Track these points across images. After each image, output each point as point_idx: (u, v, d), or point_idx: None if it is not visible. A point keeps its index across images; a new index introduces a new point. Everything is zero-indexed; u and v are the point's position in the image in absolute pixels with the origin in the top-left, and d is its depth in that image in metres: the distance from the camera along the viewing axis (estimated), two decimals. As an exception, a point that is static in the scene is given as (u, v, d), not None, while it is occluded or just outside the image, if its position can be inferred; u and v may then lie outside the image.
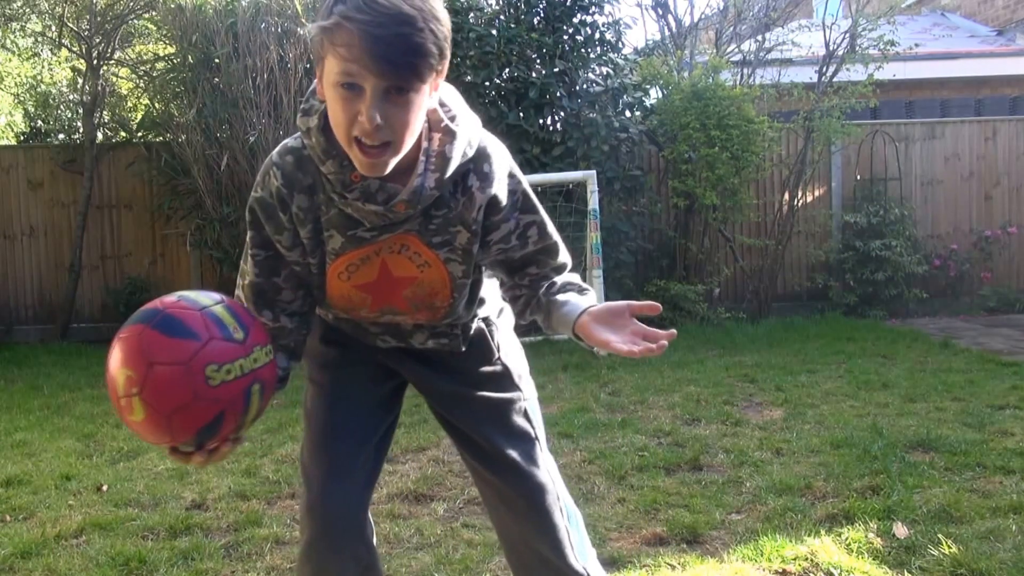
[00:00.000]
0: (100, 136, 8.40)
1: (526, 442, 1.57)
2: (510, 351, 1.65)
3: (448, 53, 1.26)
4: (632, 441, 3.73)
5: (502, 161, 1.43)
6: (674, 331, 1.30)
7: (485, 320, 1.62)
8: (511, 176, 1.45)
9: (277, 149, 1.41)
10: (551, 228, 1.51)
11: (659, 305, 1.33)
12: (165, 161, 7.39)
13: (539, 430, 1.61)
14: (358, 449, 1.57)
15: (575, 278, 1.52)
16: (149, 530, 2.86)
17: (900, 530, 2.56)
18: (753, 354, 5.85)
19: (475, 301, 1.56)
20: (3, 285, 8.11)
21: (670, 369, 5.37)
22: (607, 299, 6.54)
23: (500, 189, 1.42)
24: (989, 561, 2.29)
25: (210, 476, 3.46)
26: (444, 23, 1.23)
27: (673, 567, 2.41)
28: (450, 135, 1.35)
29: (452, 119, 1.36)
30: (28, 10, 8.77)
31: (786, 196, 7.74)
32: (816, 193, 8.15)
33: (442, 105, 1.37)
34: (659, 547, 2.58)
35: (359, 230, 1.39)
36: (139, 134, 8.37)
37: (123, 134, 8.77)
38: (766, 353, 5.86)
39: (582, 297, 1.44)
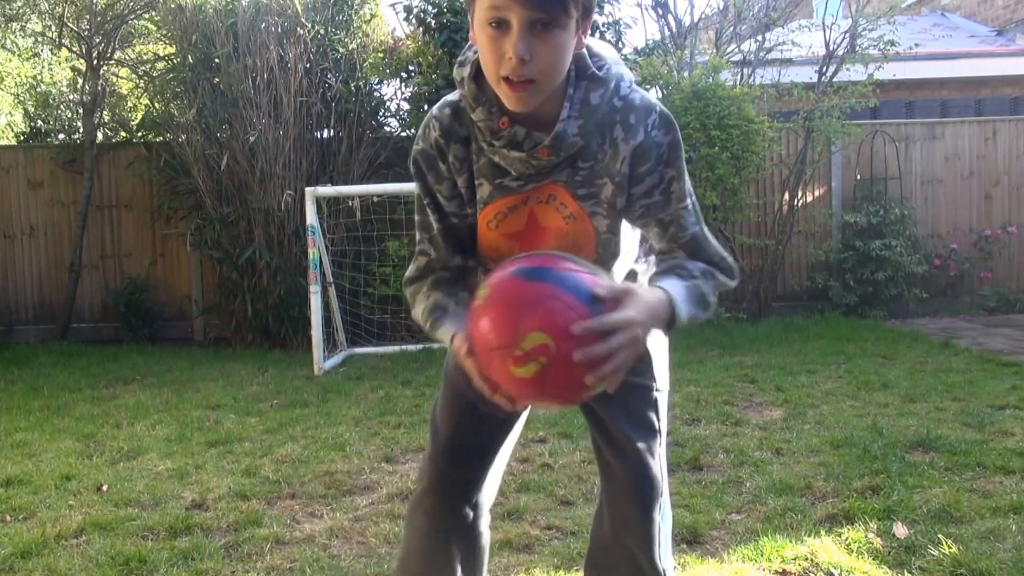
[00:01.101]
0: (100, 136, 8.40)
1: (650, 433, 1.58)
2: (653, 337, 1.54)
3: (593, 5, 1.30)
4: (632, 441, 3.72)
5: (651, 113, 1.41)
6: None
7: None
8: (660, 127, 1.41)
9: (438, 103, 1.46)
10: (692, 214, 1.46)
11: None
12: (165, 161, 7.39)
13: (663, 424, 1.63)
14: (486, 419, 1.58)
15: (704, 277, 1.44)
16: (149, 530, 2.86)
17: (900, 530, 2.57)
18: (753, 354, 5.85)
19: (617, 260, 1.54)
20: (3, 285, 8.11)
21: (670, 369, 5.37)
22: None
23: (646, 140, 1.40)
24: (989, 561, 2.29)
25: (210, 476, 3.46)
26: None
27: (673, 567, 2.41)
28: (597, 82, 1.37)
29: (600, 67, 1.38)
30: (28, 10, 8.78)
31: (786, 196, 7.74)
32: (816, 193, 8.15)
33: (592, 55, 1.39)
34: (659, 547, 2.57)
35: (506, 179, 1.43)
36: (139, 134, 8.37)
37: (123, 134, 8.77)
38: (766, 353, 5.86)
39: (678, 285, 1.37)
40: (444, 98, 1.47)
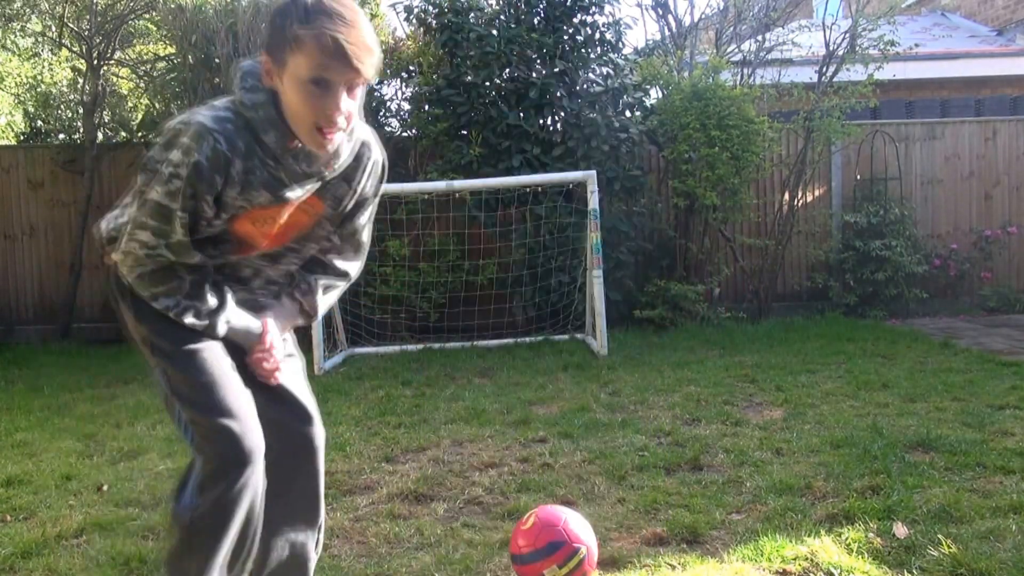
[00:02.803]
0: (100, 136, 8.40)
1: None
2: None
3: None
4: (632, 441, 3.73)
5: (378, 142, 1.85)
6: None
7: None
8: (384, 166, 1.87)
9: (206, 121, 1.62)
10: (369, 232, 1.94)
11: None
12: (165, 161, 7.38)
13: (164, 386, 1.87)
14: (247, 390, 1.79)
15: (325, 288, 1.92)
16: (150, 530, 2.86)
17: (900, 530, 2.57)
18: (753, 354, 5.85)
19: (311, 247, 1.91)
20: (4, 285, 8.11)
21: (670, 369, 5.37)
22: (607, 299, 6.56)
23: (380, 157, 1.84)
24: (989, 561, 2.29)
25: (210, 476, 3.46)
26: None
27: (673, 567, 2.42)
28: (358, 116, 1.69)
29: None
30: (28, 10, 8.78)
31: (786, 196, 7.74)
32: (816, 193, 8.15)
33: None
34: (659, 547, 2.58)
35: (284, 190, 1.70)
36: (139, 134, 8.37)
37: (123, 134, 8.77)
38: (766, 353, 5.86)
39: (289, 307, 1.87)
40: (210, 117, 1.63)
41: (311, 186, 1.74)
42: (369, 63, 1.56)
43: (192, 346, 1.72)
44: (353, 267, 1.96)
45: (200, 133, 1.60)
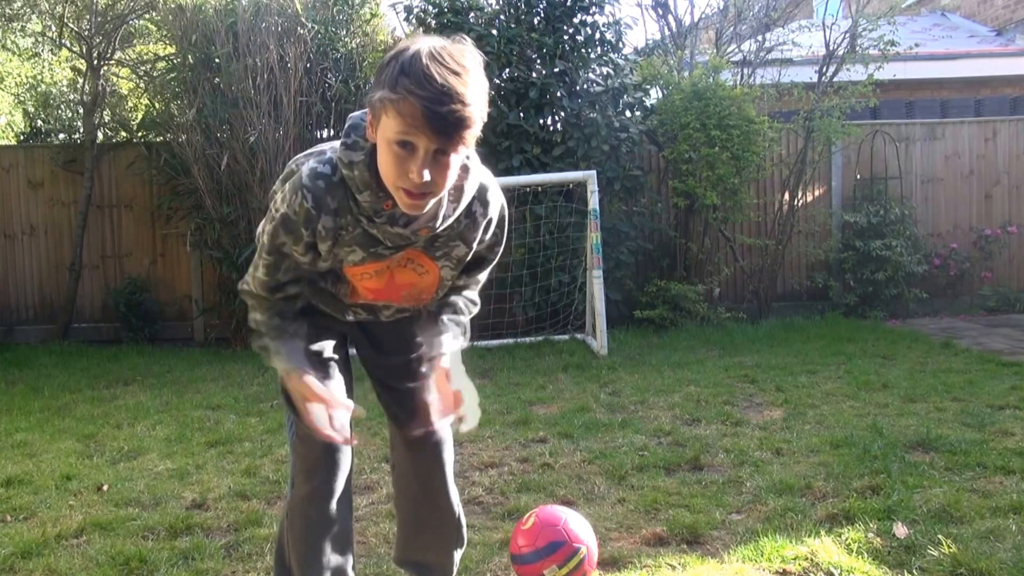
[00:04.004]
0: (100, 136, 8.39)
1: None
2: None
3: (484, 118, 1.51)
4: (632, 441, 3.73)
5: (498, 194, 1.75)
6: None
7: None
8: (502, 218, 1.78)
9: (305, 173, 1.62)
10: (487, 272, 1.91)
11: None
12: (165, 161, 7.39)
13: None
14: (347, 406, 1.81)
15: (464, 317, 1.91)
16: (149, 530, 2.87)
17: (900, 530, 2.57)
18: (753, 354, 5.85)
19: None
20: (3, 285, 8.11)
21: (670, 369, 5.37)
22: (607, 299, 6.55)
23: (495, 214, 1.75)
24: (989, 561, 2.29)
25: (210, 476, 3.47)
26: (484, 93, 1.50)
27: (673, 567, 2.42)
28: (466, 172, 1.63)
29: (468, 157, 1.61)
30: (28, 10, 8.77)
31: (786, 196, 7.74)
32: (816, 193, 8.15)
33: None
34: (659, 547, 2.58)
35: (379, 247, 1.68)
36: (139, 134, 8.36)
37: (123, 134, 8.76)
38: (766, 353, 5.86)
39: (452, 340, 1.82)
40: (311, 167, 1.62)
41: (410, 244, 1.69)
42: (460, 135, 1.45)
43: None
44: (475, 297, 1.96)
45: (295, 186, 1.62)
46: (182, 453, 3.84)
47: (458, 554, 2.15)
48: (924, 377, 4.87)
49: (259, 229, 1.77)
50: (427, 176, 1.46)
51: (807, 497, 2.94)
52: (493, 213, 1.74)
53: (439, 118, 1.41)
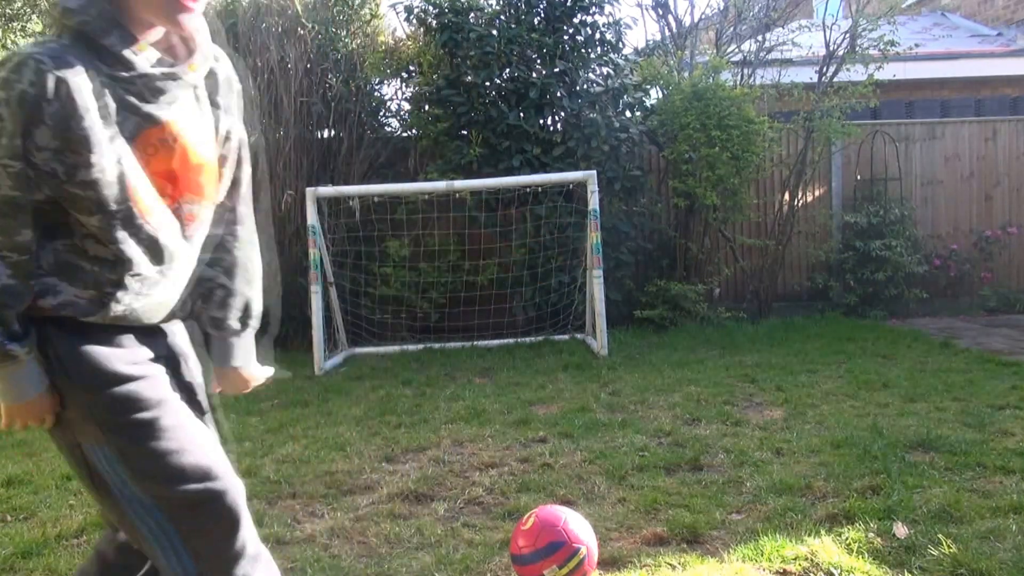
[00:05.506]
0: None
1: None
2: None
3: None
4: (632, 441, 3.73)
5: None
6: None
7: None
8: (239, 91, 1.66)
9: (29, 51, 1.33)
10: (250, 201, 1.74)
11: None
12: (165, 161, 7.38)
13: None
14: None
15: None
16: (150, 530, 2.86)
17: (900, 530, 2.57)
18: (753, 354, 5.85)
19: None
20: (3, 285, 8.10)
21: (670, 369, 5.37)
22: (607, 299, 6.55)
23: (232, 73, 1.64)
24: (989, 561, 2.29)
25: (211, 476, 3.46)
26: None
27: (673, 567, 2.42)
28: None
29: None
30: (28, 10, 8.77)
31: (786, 196, 7.74)
32: (816, 193, 8.15)
33: None
34: (659, 547, 2.58)
35: (148, 107, 1.44)
36: (139, 134, 8.36)
37: (123, 134, 8.77)
38: (766, 353, 5.86)
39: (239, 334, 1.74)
40: (34, 47, 1.35)
41: (181, 101, 1.49)
42: None
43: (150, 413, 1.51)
44: (255, 243, 1.75)
45: (19, 63, 1.32)
46: (182, 453, 3.84)
47: None
48: (924, 377, 4.87)
49: None
50: None
51: (807, 497, 2.94)
52: (230, 70, 1.63)
53: None
